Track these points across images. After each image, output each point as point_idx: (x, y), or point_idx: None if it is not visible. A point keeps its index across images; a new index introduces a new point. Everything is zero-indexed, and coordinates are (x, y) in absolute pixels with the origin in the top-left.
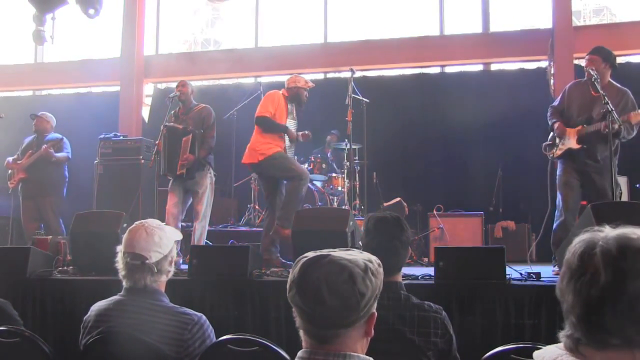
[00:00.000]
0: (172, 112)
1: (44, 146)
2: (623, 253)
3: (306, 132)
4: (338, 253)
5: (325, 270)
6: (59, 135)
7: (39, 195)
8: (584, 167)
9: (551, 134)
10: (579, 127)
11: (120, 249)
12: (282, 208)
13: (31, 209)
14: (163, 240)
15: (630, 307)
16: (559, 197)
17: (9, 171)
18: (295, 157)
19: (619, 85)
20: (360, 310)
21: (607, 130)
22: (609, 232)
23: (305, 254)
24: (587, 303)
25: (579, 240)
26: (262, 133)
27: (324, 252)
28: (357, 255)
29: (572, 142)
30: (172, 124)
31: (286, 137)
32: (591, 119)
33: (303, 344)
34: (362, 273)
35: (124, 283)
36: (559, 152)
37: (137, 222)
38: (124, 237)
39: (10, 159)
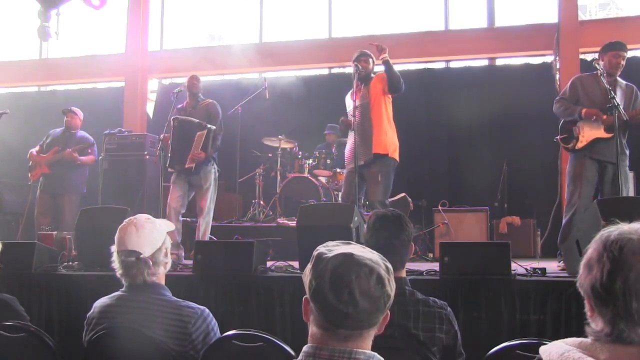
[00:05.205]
0: (179, 106)
1: (69, 149)
2: None
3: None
4: (354, 250)
5: (357, 273)
6: (90, 139)
7: (59, 193)
8: (605, 158)
9: (560, 125)
10: (605, 116)
11: (114, 249)
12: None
13: (47, 203)
14: (154, 233)
15: None
16: (571, 190)
17: (30, 162)
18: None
19: (625, 81)
20: (385, 310)
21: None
22: (635, 226)
23: (321, 250)
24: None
25: (609, 235)
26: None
27: (342, 247)
28: (372, 254)
29: (600, 131)
30: (184, 117)
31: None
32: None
33: (310, 339)
34: (387, 274)
35: (123, 281)
36: (581, 145)
37: (125, 220)
38: (116, 236)
39: (33, 150)
